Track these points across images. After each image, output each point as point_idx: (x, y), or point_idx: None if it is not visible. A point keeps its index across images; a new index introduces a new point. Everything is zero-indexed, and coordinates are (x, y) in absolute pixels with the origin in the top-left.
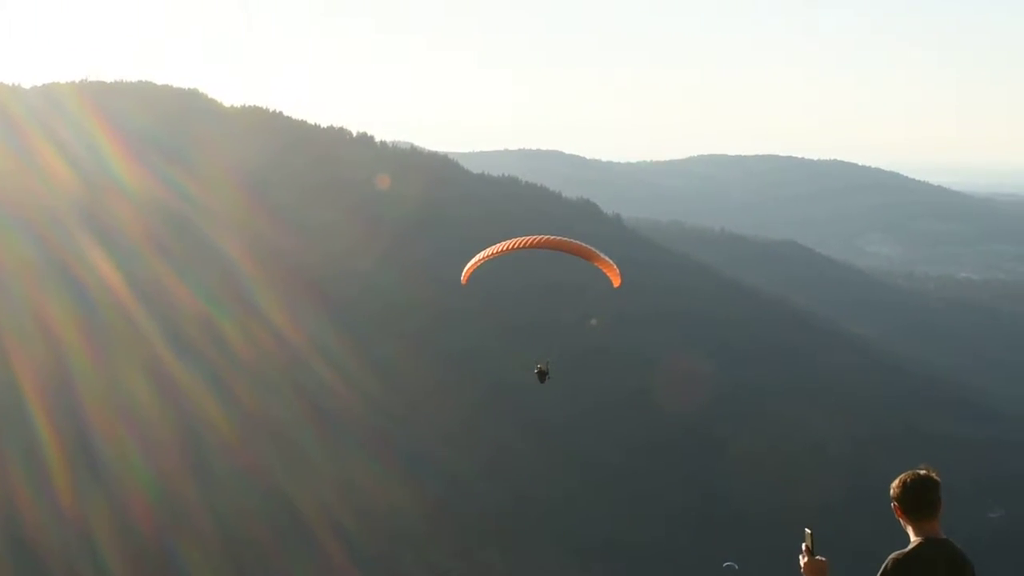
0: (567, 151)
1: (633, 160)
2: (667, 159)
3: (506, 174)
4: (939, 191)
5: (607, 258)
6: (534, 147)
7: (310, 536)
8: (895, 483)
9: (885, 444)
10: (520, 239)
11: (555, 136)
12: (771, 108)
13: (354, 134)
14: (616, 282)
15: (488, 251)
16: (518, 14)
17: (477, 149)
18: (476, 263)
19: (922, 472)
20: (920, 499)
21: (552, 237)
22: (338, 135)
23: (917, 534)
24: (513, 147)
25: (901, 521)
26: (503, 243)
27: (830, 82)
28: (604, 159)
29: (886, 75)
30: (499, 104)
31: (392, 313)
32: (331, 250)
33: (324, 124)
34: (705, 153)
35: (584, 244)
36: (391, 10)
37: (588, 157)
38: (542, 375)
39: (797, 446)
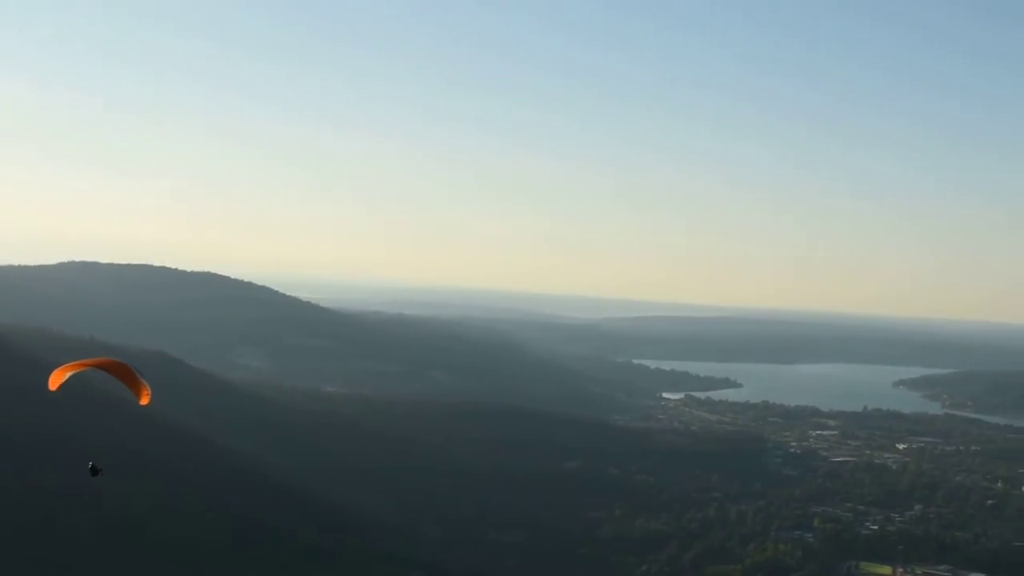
0: None
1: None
2: (37, 264)
3: None
4: (308, 307)
5: (143, 380)
6: None
7: None
8: None
9: (245, 555)
10: (89, 360)
11: None
12: (145, 217)
13: None
14: (142, 401)
15: (71, 365)
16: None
17: None
18: (63, 372)
19: None
20: None
21: (106, 359)
22: None
23: None
24: None
25: None
26: (82, 360)
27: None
28: None
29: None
30: None
31: None
32: None
33: None
34: (77, 260)
35: (127, 366)
36: None
37: None
38: (95, 471)
39: (167, 559)
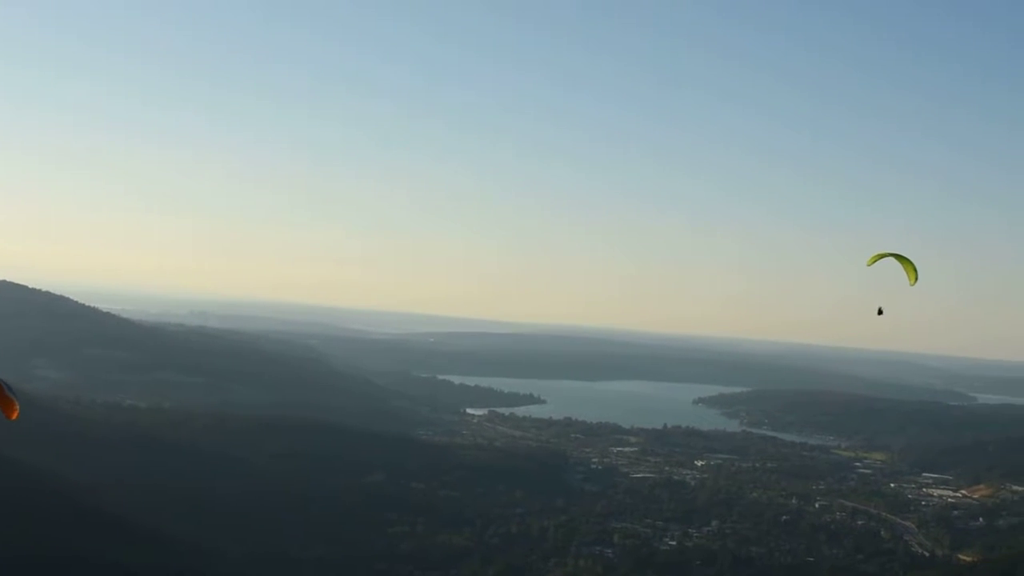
0: None
1: None
2: None
3: None
4: (108, 317)
5: (10, 395)
6: None
7: None
8: None
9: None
10: None
11: None
12: None
13: None
14: (11, 416)
15: None
16: None
17: None
18: None
19: None
20: None
21: None
22: None
23: None
24: None
25: None
26: None
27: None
28: None
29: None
30: None
31: None
32: None
33: None
34: None
35: None
36: None
37: None
38: None
39: None
